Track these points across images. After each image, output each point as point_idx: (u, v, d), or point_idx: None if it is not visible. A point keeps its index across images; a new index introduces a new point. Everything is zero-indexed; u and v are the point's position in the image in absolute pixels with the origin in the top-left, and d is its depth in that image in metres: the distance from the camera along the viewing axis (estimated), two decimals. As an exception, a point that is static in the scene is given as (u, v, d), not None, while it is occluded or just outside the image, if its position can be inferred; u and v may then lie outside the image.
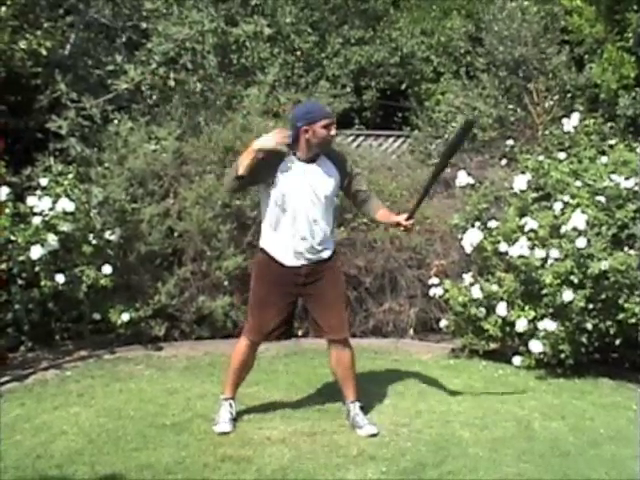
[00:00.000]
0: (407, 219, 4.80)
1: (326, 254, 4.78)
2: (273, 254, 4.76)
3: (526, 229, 6.28)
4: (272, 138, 4.60)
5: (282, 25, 12.39)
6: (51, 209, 6.22)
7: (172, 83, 7.59)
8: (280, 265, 4.74)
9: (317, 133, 4.59)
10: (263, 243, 4.84)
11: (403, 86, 13.78)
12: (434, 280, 6.92)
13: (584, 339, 5.93)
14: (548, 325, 5.91)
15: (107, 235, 6.60)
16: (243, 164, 4.57)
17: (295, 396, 5.48)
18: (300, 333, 6.82)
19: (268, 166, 4.64)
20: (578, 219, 5.97)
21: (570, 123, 7.77)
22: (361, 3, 14.91)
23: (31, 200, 6.26)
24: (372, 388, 5.52)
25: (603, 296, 5.86)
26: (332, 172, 4.74)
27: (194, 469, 4.26)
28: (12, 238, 6.05)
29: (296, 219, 4.67)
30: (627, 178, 6.29)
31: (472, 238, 6.62)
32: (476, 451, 4.58)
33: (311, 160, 4.68)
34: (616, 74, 9.75)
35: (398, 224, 4.85)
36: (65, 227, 6.24)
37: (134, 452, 4.48)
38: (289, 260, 4.72)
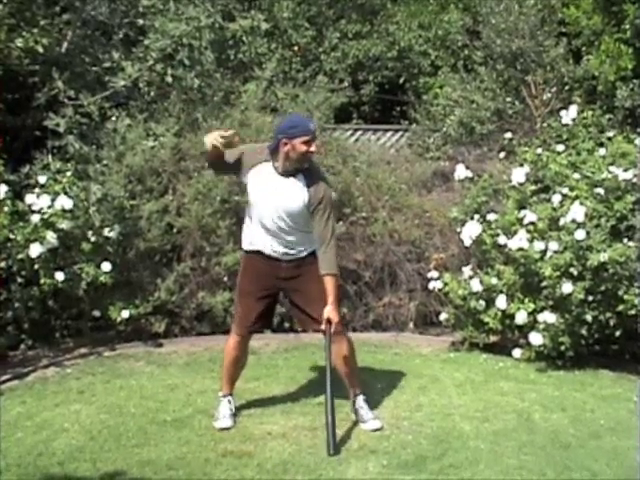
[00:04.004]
0: (327, 321, 4.62)
1: (303, 254, 4.79)
2: (253, 247, 4.82)
3: (525, 222, 6.29)
4: (206, 139, 4.63)
5: (279, 20, 12.37)
6: (50, 207, 6.22)
7: (169, 79, 7.55)
8: (262, 258, 4.79)
9: (296, 148, 4.59)
10: (243, 240, 4.92)
11: (401, 80, 13.74)
12: (433, 273, 6.93)
13: (584, 331, 5.93)
14: (548, 317, 5.91)
15: (106, 232, 6.60)
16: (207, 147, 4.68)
17: (295, 391, 5.50)
18: (300, 328, 6.82)
19: (240, 164, 4.72)
20: (577, 211, 5.97)
21: (568, 115, 7.76)
22: (358, -3, 14.91)
23: (30, 198, 6.27)
24: (373, 382, 5.53)
25: (602, 288, 5.87)
26: (302, 192, 4.67)
27: (195, 465, 4.28)
28: (11, 236, 6.06)
29: (265, 226, 4.73)
30: (626, 170, 6.29)
31: (471, 231, 6.62)
32: (477, 444, 4.59)
33: (288, 174, 4.66)
34: (614, 66, 9.72)
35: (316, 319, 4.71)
36: (64, 225, 6.25)
37: (135, 448, 4.49)
38: (268, 251, 4.78)
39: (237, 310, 4.97)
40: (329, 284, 4.64)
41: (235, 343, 4.92)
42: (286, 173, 4.66)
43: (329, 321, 4.63)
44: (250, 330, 4.92)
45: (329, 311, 4.62)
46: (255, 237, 4.80)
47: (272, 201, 4.66)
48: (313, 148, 4.64)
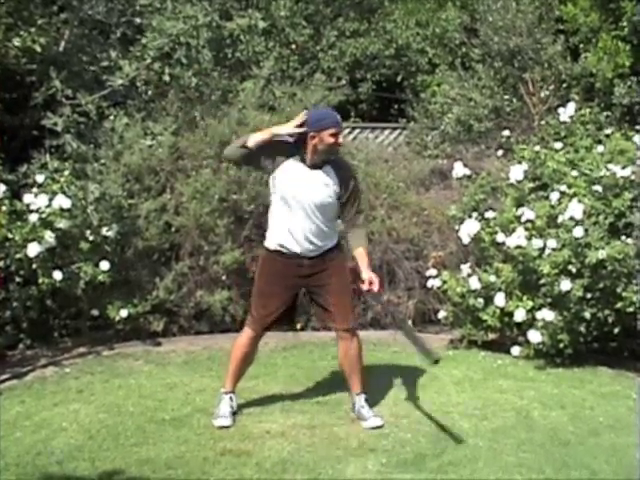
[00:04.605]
0: (369, 283, 4.76)
1: (327, 247, 4.82)
2: (277, 244, 4.80)
3: (523, 219, 6.29)
4: (287, 126, 4.73)
5: (277, 18, 12.35)
6: (48, 206, 6.20)
7: (167, 78, 7.56)
8: (281, 258, 4.79)
9: (324, 140, 4.63)
10: (267, 239, 4.90)
11: (399, 78, 13.74)
12: (432, 271, 6.92)
13: (582, 328, 5.93)
14: (546, 315, 5.91)
15: (104, 231, 6.58)
16: (256, 139, 4.69)
17: (294, 389, 5.49)
18: (299, 326, 6.83)
19: (270, 154, 4.73)
20: (575, 208, 5.98)
21: (566, 113, 7.76)
22: (355, -5, 14.89)
23: (27, 197, 6.25)
24: (371, 380, 5.50)
25: (601, 285, 5.87)
26: (333, 182, 4.72)
27: (194, 463, 4.28)
28: (9, 236, 6.04)
29: (293, 220, 4.72)
30: (624, 167, 6.29)
31: (469, 229, 6.62)
32: (476, 441, 4.59)
33: (316, 166, 4.70)
34: (611, 63, 9.74)
35: (360, 279, 4.83)
36: (62, 224, 6.24)
37: (134, 447, 4.49)
38: (293, 248, 4.77)
39: (255, 309, 4.91)
40: (363, 253, 4.83)
41: (248, 339, 4.91)
42: (314, 166, 4.70)
43: (370, 282, 4.73)
44: (267, 329, 4.92)
45: (368, 272, 4.77)
46: (282, 233, 4.77)
47: (304, 195, 4.68)
48: (341, 140, 4.73)
